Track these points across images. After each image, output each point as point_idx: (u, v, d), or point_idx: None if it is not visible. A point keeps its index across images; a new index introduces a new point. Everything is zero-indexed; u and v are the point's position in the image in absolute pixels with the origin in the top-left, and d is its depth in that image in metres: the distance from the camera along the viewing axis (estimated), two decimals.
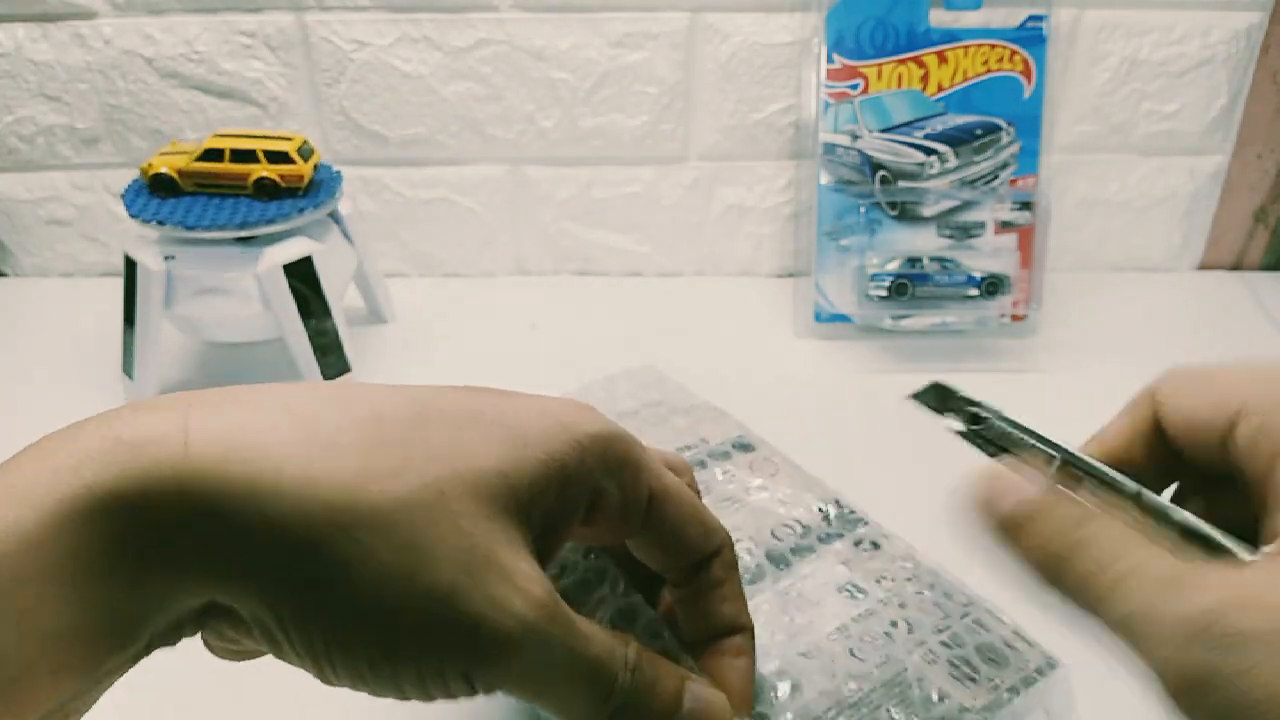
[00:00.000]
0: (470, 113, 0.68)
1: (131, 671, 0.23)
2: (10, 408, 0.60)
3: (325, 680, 0.23)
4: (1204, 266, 0.75)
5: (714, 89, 0.68)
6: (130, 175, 0.58)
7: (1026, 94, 0.64)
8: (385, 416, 0.23)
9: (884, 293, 0.62)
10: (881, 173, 0.64)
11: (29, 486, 0.20)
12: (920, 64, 0.63)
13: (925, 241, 0.63)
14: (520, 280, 0.74)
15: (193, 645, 0.25)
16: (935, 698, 0.30)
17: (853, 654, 0.32)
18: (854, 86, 0.64)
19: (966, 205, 0.63)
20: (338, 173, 0.60)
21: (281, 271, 0.55)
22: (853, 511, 0.39)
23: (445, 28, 0.66)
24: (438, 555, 0.22)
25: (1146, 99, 0.68)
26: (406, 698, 0.23)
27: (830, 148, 0.64)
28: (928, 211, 0.63)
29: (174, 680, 0.33)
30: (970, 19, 0.63)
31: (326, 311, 0.57)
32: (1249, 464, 0.24)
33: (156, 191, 0.55)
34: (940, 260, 0.63)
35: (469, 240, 0.73)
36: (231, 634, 0.23)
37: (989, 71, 0.63)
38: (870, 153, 0.64)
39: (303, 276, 0.56)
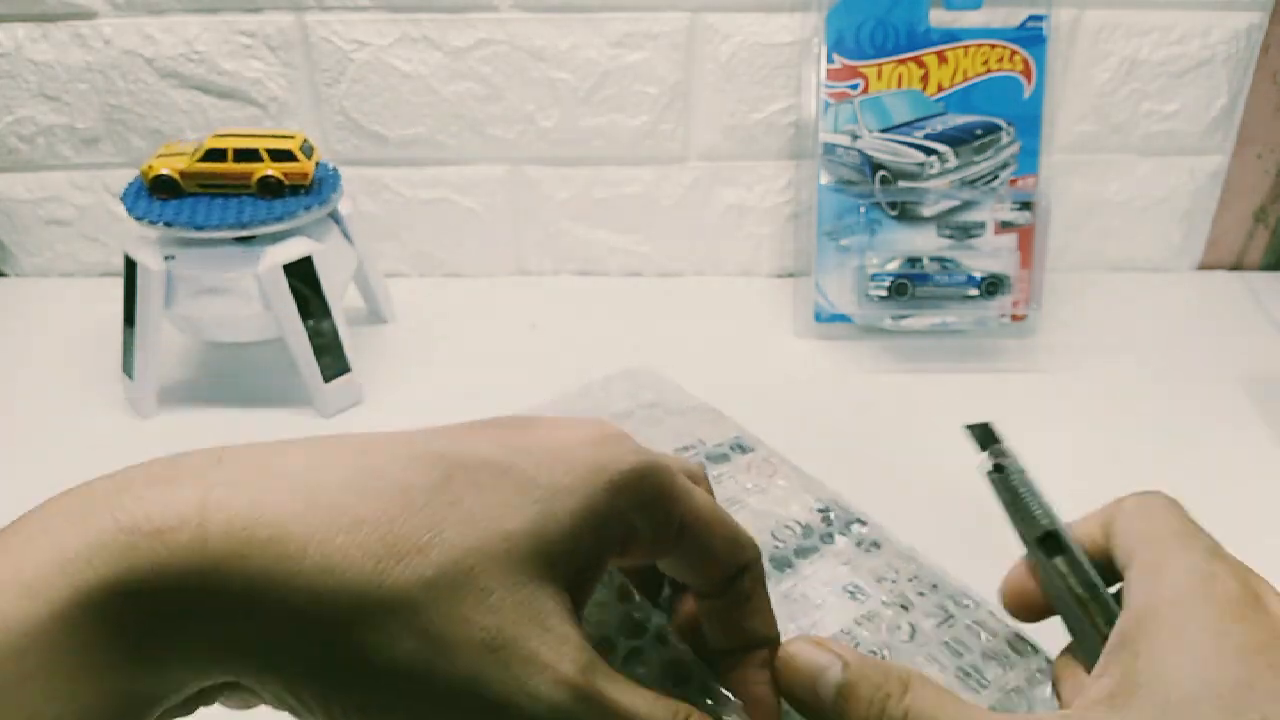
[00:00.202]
0: (470, 113, 0.68)
1: None
2: (10, 408, 0.60)
3: None
4: (1204, 266, 0.75)
5: (714, 89, 0.68)
6: (130, 175, 0.58)
7: (1026, 94, 0.64)
8: (412, 484, 0.22)
9: (884, 293, 0.62)
10: (881, 173, 0.64)
11: (39, 578, 0.19)
12: (920, 64, 0.63)
13: (925, 241, 0.63)
14: (520, 280, 0.74)
15: None
16: None
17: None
18: (854, 86, 0.64)
19: (966, 205, 0.63)
20: (334, 170, 0.60)
21: (281, 271, 0.55)
22: (851, 512, 0.39)
23: (445, 28, 0.66)
24: (463, 639, 0.21)
25: (1146, 99, 0.68)
26: None
27: (830, 148, 0.64)
28: (928, 211, 0.63)
29: None
30: (970, 19, 0.63)
31: (326, 311, 0.57)
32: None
33: (158, 193, 0.55)
34: (940, 260, 0.63)
35: (469, 240, 0.73)
36: (248, 699, 0.23)
37: (989, 71, 0.63)
38: (870, 153, 0.64)
39: (303, 276, 0.56)
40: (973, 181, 0.64)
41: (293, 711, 0.22)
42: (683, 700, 0.25)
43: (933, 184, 0.64)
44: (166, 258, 0.55)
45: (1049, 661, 0.32)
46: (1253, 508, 0.51)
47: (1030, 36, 0.63)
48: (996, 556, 0.32)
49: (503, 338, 0.67)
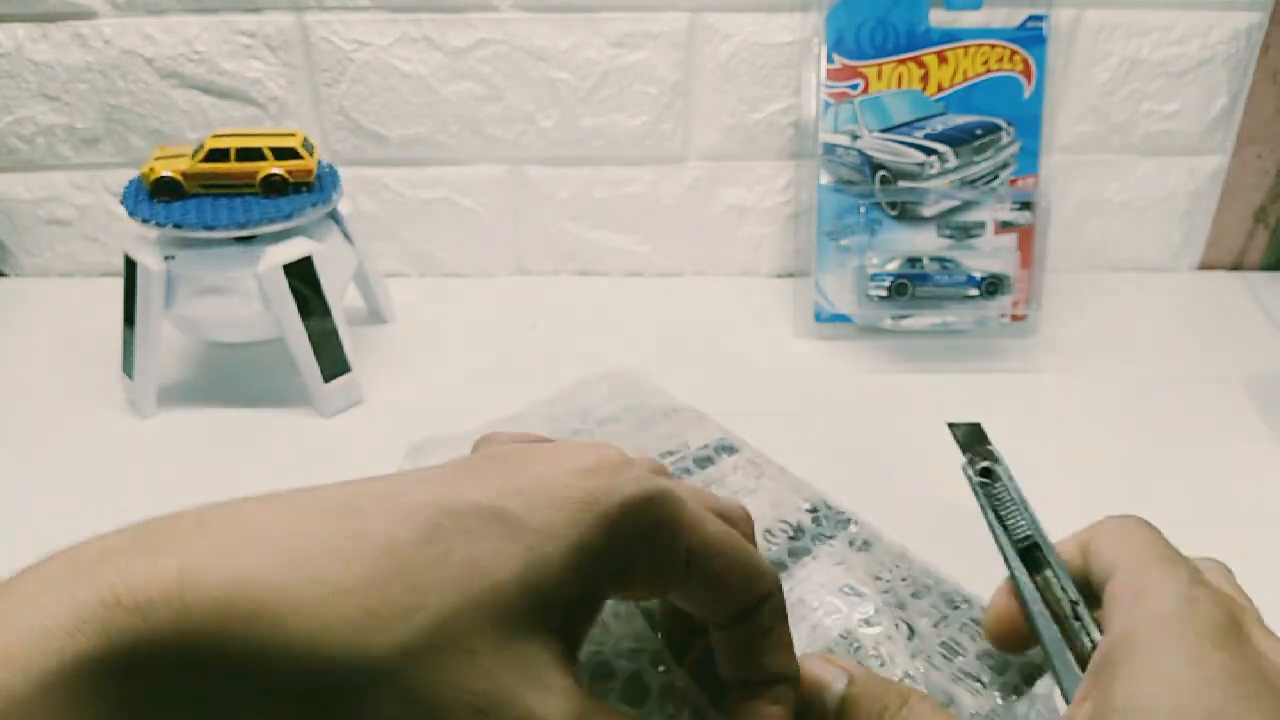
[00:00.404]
0: (470, 113, 0.68)
1: None
2: (10, 408, 0.60)
3: None
4: (1204, 266, 0.75)
5: (714, 89, 0.68)
6: (130, 175, 0.58)
7: (1026, 94, 0.64)
8: (398, 539, 0.22)
9: (884, 293, 0.62)
10: (881, 173, 0.64)
11: (19, 648, 0.19)
12: (920, 64, 0.63)
13: (925, 241, 0.63)
14: (520, 280, 0.74)
15: None
16: (943, 704, 0.30)
17: (860, 663, 0.32)
18: (854, 86, 0.64)
19: (966, 205, 0.63)
20: (330, 167, 0.60)
21: (281, 271, 0.55)
22: (840, 511, 0.38)
23: (445, 28, 0.66)
24: (450, 703, 0.21)
25: (1146, 99, 0.68)
26: None
27: (830, 148, 0.64)
28: (928, 211, 0.63)
29: None
30: (970, 19, 0.63)
31: (326, 311, 0.57)
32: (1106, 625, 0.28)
33: (160, 196, 0.55)
34: (940, 260, 0.63)
35: (469, 240, 0.73)
36: None
37: (989, 71, 0.63)
38: (870, 153, 0.64)
39: (303, 276, 0.56)
40: (973, 181, 0.64)
41: None
42: None
43: (933, 184, 0.64)
44: (166, 258, 0.55)
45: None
46: (1253, 508, 0.51)
47: (1030, 36, 0.63)
48: (997, 557, 0.32)
49: (503, 338, 0.67)
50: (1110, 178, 0.71)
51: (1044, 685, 0.32)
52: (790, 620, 0.27)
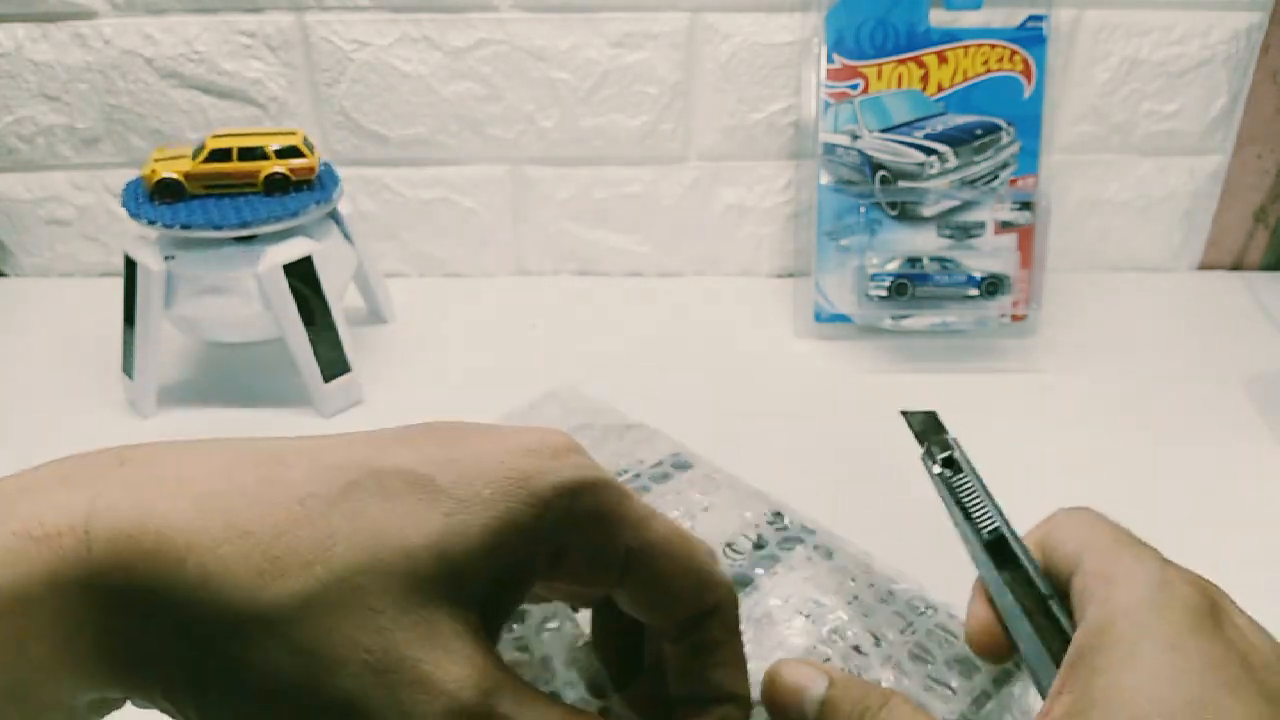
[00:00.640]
0: (470, 113, 0.68)
1: None
2: (10, 407, 0.60)
3: None
4: (1204, 266, 0.75)
5: (714, 89, 0.68)
6: (130, 175, 0.58)
7: (1026, 94, 0.64)
8: (312, 493, 0.22)
9: (884, 293, 0.62)
10: (881, 173, 0.64)
11: None
12: (920, 64, 0.63)
13: (925, 241, 0.63)
14: (520, 280, 0.74)
15: None
16: None
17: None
18: (854, 86, 0.64)
19: (966, 205, 0.63)
20: (326, 165, 0.60)
21: (281, 271, 0.55)
22: (799, 520, 0.37)
23: (445, 28, 0.66)
24: (344, 659, 0.20)
25: (1146, 99, 0.68)
26: None
27: (830, 148, 0.64)
28: (928, 211, 0.63)
29: None
30: (970, 19, 0.63)
31: (326, 311, 0.57)
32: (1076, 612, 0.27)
33: (162, 197, 0.55)
34: (940, 260, 0.63)
35: (469, 240, 0.73)
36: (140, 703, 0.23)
37: (989, 71, 0.63)
38: (870, 153, 0.64)
39: (303, 276, 0.56)
40: (973, 181, 0.64)
41: (173, 718, 0.22)
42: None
43: (933, 184, 0.64)
44: (166, 258, 0.55)
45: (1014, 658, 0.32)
46: (1253, 508, 0.51)
47: (1030, 36, 0.63)
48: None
49: (503, 338, 0.67)
50: (1110, 178, 0.71)
51: (1016, 687, 0.32)
52: (758, 635, 0.26)
